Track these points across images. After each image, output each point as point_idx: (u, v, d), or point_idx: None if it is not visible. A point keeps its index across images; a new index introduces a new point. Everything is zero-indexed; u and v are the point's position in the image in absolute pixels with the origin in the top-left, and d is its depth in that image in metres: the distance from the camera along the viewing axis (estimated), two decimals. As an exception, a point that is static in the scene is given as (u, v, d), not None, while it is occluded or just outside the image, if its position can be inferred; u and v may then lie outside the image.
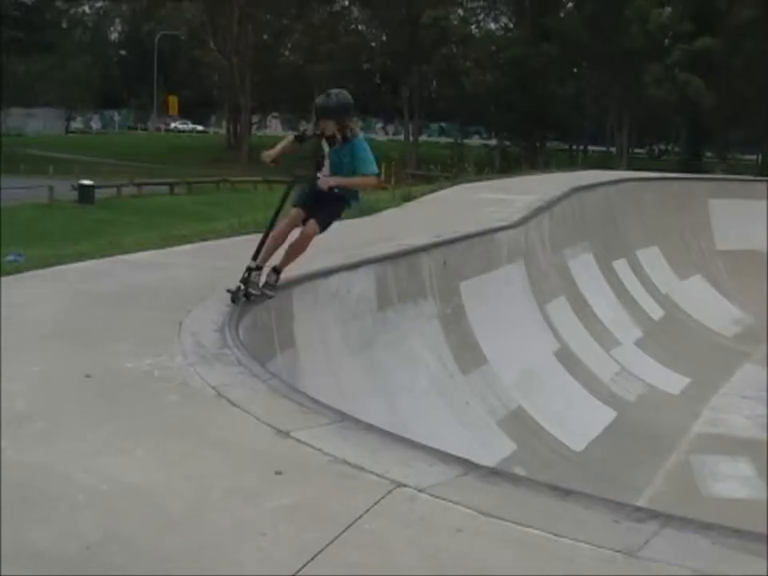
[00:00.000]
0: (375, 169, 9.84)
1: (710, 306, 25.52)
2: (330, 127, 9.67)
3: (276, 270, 10.15)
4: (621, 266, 23.43)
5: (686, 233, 28.00)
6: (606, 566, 4.49)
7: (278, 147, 10.04)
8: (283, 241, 10.03)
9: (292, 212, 9.99)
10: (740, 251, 28.15)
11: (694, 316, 24.35)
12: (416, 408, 12.07)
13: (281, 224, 9.94)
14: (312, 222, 9.89)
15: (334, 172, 9.80)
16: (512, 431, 13.62)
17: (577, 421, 15.01)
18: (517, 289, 16.66)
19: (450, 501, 5.07)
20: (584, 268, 21.00)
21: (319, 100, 9.71)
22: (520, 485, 5.55)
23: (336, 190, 9.78)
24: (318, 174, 9.89)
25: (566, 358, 16.91)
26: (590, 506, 5.13)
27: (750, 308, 26.10)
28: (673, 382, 18.83)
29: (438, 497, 5.12)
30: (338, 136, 9.73)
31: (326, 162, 9.90)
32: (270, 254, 9.95)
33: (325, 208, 9.95)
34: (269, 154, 9.97)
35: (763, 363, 21.39)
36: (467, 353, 14.07)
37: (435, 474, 5.49)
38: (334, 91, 9.74)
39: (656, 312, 23.12)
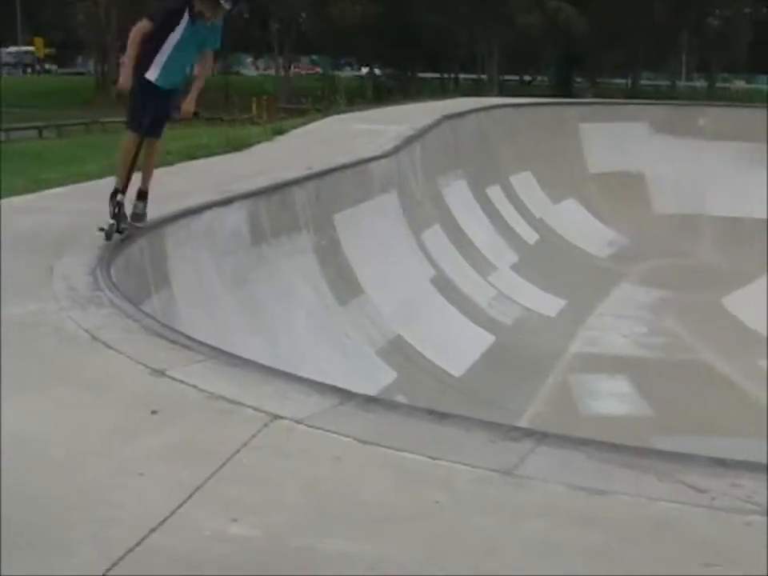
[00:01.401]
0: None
1: (583, 229, 25.89)
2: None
3: (141, 195, 9.99)
4: (495, 192, 23.58)
5: (558, 157, 28.24)
6: (484, 486, 4.54)
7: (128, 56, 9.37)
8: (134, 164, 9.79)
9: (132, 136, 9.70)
10: (612, 173, 28.53)
11: (568, 239, 24.70)
12: (295, 342, 12.05)
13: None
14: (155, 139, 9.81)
15: (180, 52, 9.30)
16: (392, 360, 13.70)
17: (456, 347, 15.16)
18: (391, 218, 16.68)
19: (328, 430, 5.08)
20: (458, 195, 21.11)
21: None
22: (397, 411, 5.59)
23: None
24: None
25: (443, 285, 17.03)
26: (467, 429, 5.18)
27: (623, 229, 26.57)
28: (549, 304, 19.11)
29: (315, 427, 5.13)
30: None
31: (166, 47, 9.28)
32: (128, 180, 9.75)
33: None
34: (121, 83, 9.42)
35: (638, 282, 21.84)
36: (344, 284, 14.08)
37: (312, 404, 5.49)
38: None
39: (531, 236, 23.38)
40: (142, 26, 9.19)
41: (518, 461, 4.75)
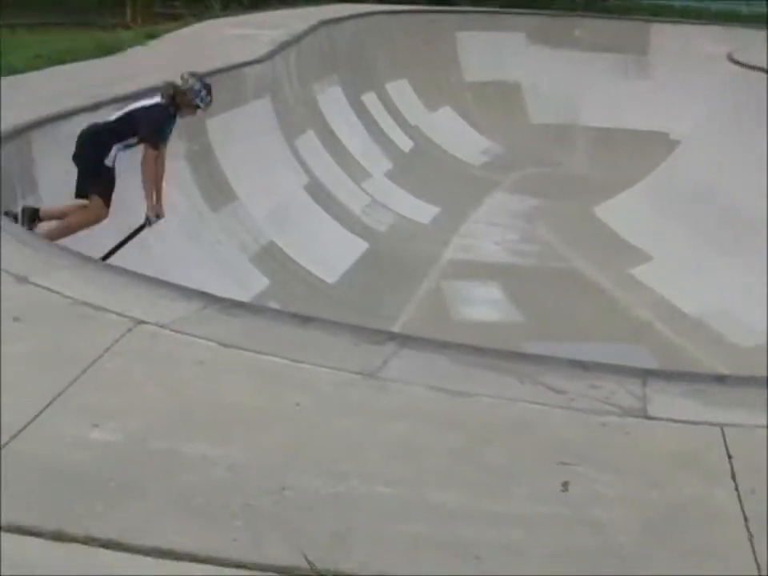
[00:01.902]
0: None
1: (458, 137, 25.88)
2: None
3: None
4: (370, 99, 23.41)
5: (434, 65, 28.06)
6: (346, 388, 4.59)
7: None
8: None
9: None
10: (488, 82, 28.49)
11: (443, 147, 24.68)
12: (166, 249, 11.91)
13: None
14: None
15: None
16: (265, 267, 13.64)
17: (329, 253, 15.13)
18: (265, 125, 16.46)
19: (192, 335, 5.06)
20: (332, 102, 20.91)
21: None
22: (261, 315, 5.59)
23: None
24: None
25: (317, 191, 16.94)
26: (331, 332, 5.22)
27: (498, 138, 26.65)
28: (423, 211, 19.13)
29: (179, 332, 5.11)
30: None
31: None
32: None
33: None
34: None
35: (512, 191, 22.01)
36: (216, 191, 13.91)
37: (177, 309, 5.46)
38: None
39: (406, 144, 23.31)
40: (152, 154, 10.14)
41: (380, 363, 4.80)
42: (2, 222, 7.33)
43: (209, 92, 10.79)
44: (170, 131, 10.72)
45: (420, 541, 3.52)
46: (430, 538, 3.54)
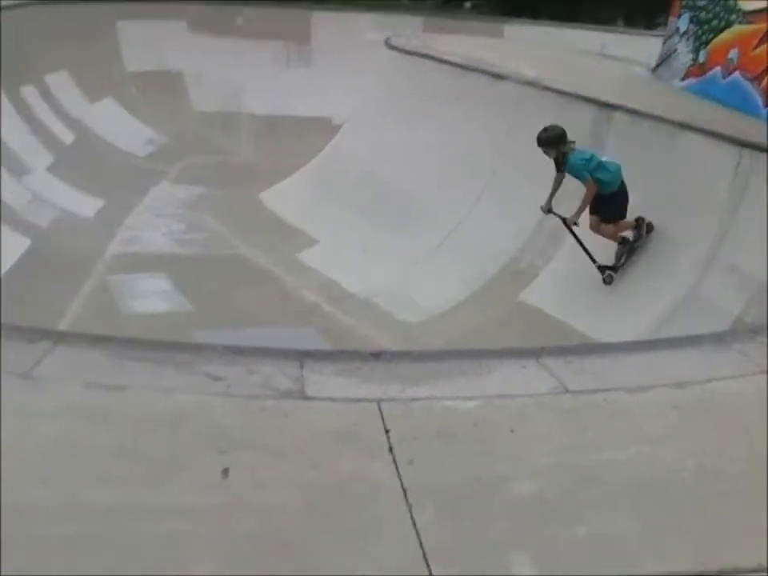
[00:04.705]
0: (587, 175, 11.98)
1: (122, 128, 25.41)
2: (550, 153, 12.10)
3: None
4: (28, 91, 22.66)
5: (96, 56, 27.32)
6: (-3, 390, 4.40)
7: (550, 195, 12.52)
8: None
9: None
10: (150, 72, 28.11)
11: (106, 139, 24.17)
12: None
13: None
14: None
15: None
16: None
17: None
18: None
19: None
20: (-12, 95, 20.13)
21: (539, 134, 12.09)
22: None
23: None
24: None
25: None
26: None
27: (162, 128, 26.35)
28: (87, 205, 18.67)
29: None
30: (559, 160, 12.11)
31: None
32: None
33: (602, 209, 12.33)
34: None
35: (177, 181, 21.83)
36: None
37: None
38: (549, 126, 12.11)
39: (67, 136, 22.70)
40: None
41: (33, 362, 4.64)
42: None
43: None
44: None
45: (76, 542, 3.43)
46: (87, 538, 3.46)
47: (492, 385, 5.03)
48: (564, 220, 12.31)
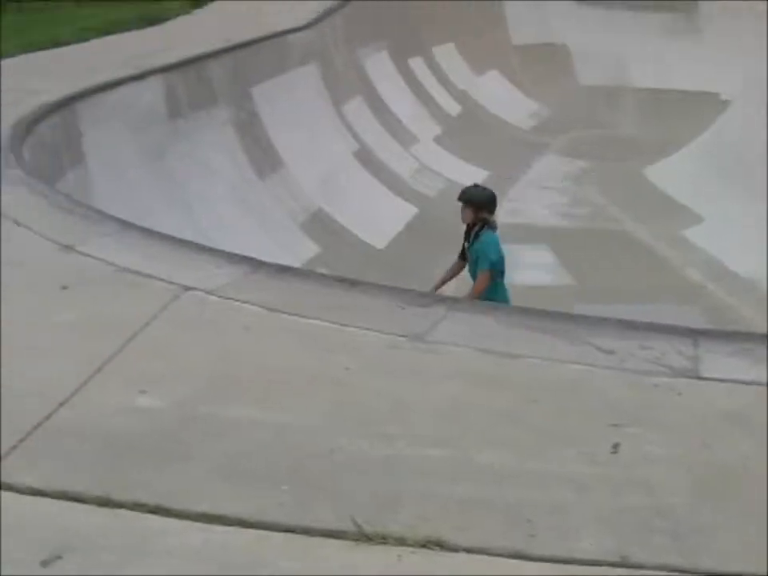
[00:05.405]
0: (488, 266, 9.15)
1: (506, 101, 25.71)
2: (467, 216, 9.30)
3: None
4: (417, 63, 23.30)
5: (481, 29, 27.88)
6: (392, 351, 4.55)
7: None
8: None
9: None
10: (536, 45, 28.29)
11: (491, 110, 24.53)
12: (215, 216, 11.94)
13: None
14: None
15: (471, 270, 9.41)
16: (314, 233, 13.63)
17: (378, 219, 15.08)
18: (312, 91, 16.44)
19: (238, 300, 5.04)
20: (380, 67, 20.83)
21: (467, 187, 9.53)
22: (307, 280, 5.55)
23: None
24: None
25: (366, 157, 16.90)
26: (377, 296, 5.17)
27: (546, 101, 26.44)
28: (472, 176, 18.95)
29: (225, 297, 5.09)
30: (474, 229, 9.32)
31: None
32: None
33: None
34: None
35: (561, 153, 21.83)
36: (263, 157, 13.90)
37: (223, 275, 5.45)
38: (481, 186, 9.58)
39: (453, 108, 23.19)
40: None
41: (429, 326, 4.76)
42: (50, 192, 7.35)
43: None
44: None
45: (468, 503, 3.48)
46: (478, 499, 3.50)
47: None
48: None
